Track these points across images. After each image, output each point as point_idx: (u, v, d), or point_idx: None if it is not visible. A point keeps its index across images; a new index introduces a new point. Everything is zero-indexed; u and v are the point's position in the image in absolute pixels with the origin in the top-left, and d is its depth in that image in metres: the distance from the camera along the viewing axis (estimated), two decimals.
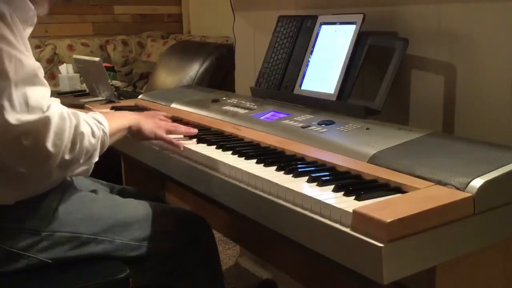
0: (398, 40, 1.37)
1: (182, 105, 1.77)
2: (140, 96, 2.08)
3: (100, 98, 2.65)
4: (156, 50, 4.20)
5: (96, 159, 1.14)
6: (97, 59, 2.59)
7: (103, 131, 1.15)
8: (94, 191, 1.30)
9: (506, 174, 0.93)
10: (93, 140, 1.11)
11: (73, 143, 1.05)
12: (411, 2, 1.43)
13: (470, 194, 0.88)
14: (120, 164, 2.05)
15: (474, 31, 1.29)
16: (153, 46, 4.31)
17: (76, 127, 1.06)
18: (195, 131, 1.40)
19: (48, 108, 1.01)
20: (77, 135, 1.06)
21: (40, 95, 1.02)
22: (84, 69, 2.80)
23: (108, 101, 2.45)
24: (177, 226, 1.33)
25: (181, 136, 1.39)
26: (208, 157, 1.22)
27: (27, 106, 0.99)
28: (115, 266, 1.20)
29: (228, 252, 2.35)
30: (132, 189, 1.58)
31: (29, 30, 1.07)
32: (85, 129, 1.09)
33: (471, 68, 1.31)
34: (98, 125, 1.14)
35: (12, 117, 0.97)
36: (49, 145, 1.00)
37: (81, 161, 1.09)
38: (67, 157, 1.04)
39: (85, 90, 2.98)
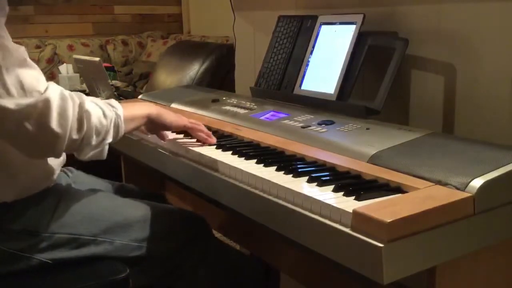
0: (398, 40, 1.37)
1: (182, 105, 1.77)
2: (140, 96, 2.07)
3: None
4: (156, 50, 4.20)
5: (109, 140, 1.12)
6: (97, 59, 2.60)
7: (116, 113, 1.13)
8: (94, 190, 1.30)
9: (506, 174, 0.93)
10: (104, 121, 1.09)
11: (80, 122, 1.04)
12: (411, 2, 1.43)
13: (470, 194, 0.88)
14: (120, 164, 2.04)
15: (474, 31, 1.29)
16: (153, 46, 4.31)
17: (81, 106, 1.05)
18: (214, 140, 1.33)
19: (45, 89, 1.00)
20: (82, 114, 1.04)
21: (34, 78, 1.00)
22: (84, 69, 2.80)
23: None
24: (177, 226, 1.33)
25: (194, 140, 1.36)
26: (208, 157, 1.22)
27: (23, 90, 0.97)
28: (115, 266, 1.20)
29: None
30: (131, 187, 1.58)
31: (3, 19, 1.04)
32: (91, 108, 1.07)
33: (471, 68, 1.31)
34: (110, 107, 1.13)
35: (10, 103, 0.96)
36: (54, 125, 0.99)
37: (93, 142, 1.07)
38: (75, 136, 1.03)
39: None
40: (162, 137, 1.38)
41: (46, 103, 0.99)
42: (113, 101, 1.17)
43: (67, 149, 1.05)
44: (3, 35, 0.99)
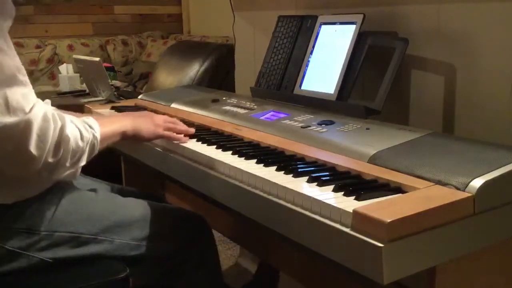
0: (398, 40, 1.37)
1: (182, 105, 1.77)
2: (140, 96, 2.08)
3: (100, 98, 2.65)
4: (156, 50, 4.20)
5: (83, 163, 1.12)
6: (97, 59, 2.60)
7: (93, 135, 1.13)
8: (94, 190, 1.30)
9: (506, 174, 0.93)
10: (81, 143, 1.09)
11: (57, 146, 1.03)
12: (411, 2, 1.43)
13: (470, 194, 0.88)
14: (120, 164, 2.04)
15: (474, 31, 1.29)
16: (153, 46, 4.31)
17: (61, 129, 1.04)
18: (193, 130, 1.40)
19: (31, 109, 0.99)
20: (61, 138, 1.04)
21: (21, 96, 0.98)
22: (84, 69, 2.80)
23: (108, 101, 2.45)
24: (177, 225, 1.33)
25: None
26: (208, 157, 1.22)
27: (8, 108, 0.96)
28: (115, 266, 1.20)
29: (228, 252, 2.35)
30: (132, 189, 1.58)
31: (8, 23, 1.02)
32: (71, 131, 1.06)
33: (471, 68, 1.31)
34: (88, 128, 1.13)
35: None
36: (32, 148, 0.98)
37: (67, 164, 1.07)
38: (50, 160, 1.02)
39: (85, 90, 2.98)
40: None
41: (28, 124, 0.98)
42: (91, 120, 1.16)
43: (41, 169, 1.03)
44: (0, 47, 0.97)
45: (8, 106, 0.96)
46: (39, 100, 1.03)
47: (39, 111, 1.00)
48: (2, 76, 0.96)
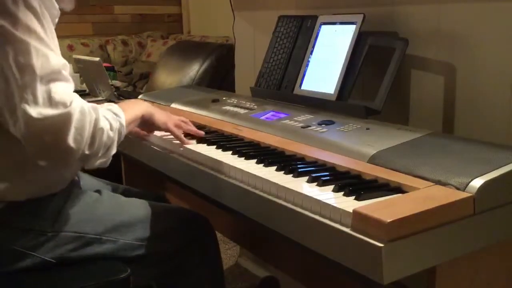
0: (398, 40, 1.37)
1: (182, 105, 1.77)
2: (140, 96, 2.07)
3: (100, 98, 2.65)
4: (156, 50, 4.20)
5: (114, 151, 1.14)
6: (97, 59, 2.59)
7: (120, 123, 1.16)
8: (98, 191, 1.30)
9: (506, 174, 0.93)
10: (111, 134, 1.11)
11: (93, 138, 1.06)
12: (411, 2, 1.43)
13: (470, 194, 0.88)
14: (120, 164, 2.04)
15: (474, 31, 1.29)
16: (153, 46, 4.32)
17: (96, 122, 1.07)
18: (202, 133, 1.41)
19: (70, 103, 1.02)
20: (96, 131, 1.07)
21: (64, 91, 1.02)
22: (84, 69, 2.80)
23: (108, 101, 2.45)
24: (179, 225, 1.33)
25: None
26: (208, 157, 1.22)
27: (50, 101, 1.00)
28: (116, 266, 1.20)
29: (228, 252, 2.35)
30: (135, 190, 1.58)
31: (54, 26, 1.08)
32: (104, 124, 1.09)
33: (471, 68, 1.31)
34: (115, 117, 1.15)
35: (35, 111, 0.98)
36: (70, 140, 1.01)
37: (100, 154, 1.10)
38: (87, 152, 1.05)
39: (85, 90, 2.98)
40: (147, 135, 1.45)
41: (67, 117, 1.01)
42: (115, 108, 1.19)
43: (78, 160, 1.07)
44: (47, 43, 1.02)
45: (51, 99, 1.00)
46: (77, 95, 1.07)
47: (77, 105, 1.03)
48: (49, 71, 1.01)
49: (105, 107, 1.17)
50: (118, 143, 1.16)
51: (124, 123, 1.17)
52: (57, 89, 1.01)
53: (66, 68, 1.06)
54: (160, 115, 1.36)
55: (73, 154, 1.03)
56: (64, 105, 1.01)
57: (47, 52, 1.01)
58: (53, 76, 1.01)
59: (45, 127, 0.99)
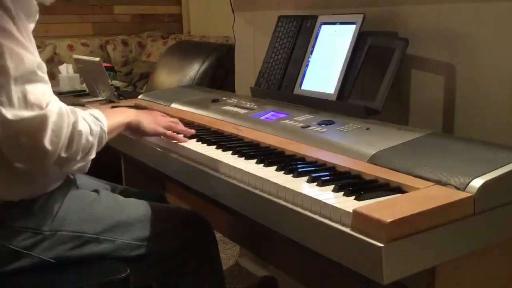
0: (398, 40, 1.37)
1: (182, 105, 1.77)
2: (140, 96, 2.08)
3: (100, 98, 2.64)
4: (156, 50, 4.20)
5: (93, 156, 1.13)
6: (97, 59, 2.59)
7: (101, 128, 1.15)
8: (96, 191, 1.30)
9: (506, 174, 0.93)
10: (90, 138, 1.11)
11: (70, 141, 1.05)
12: (411, 2, 1.43)
13: (470, 194, 0.88)
14: (120, 164, 2.05)
15: (474, 31, 1.29)
16: (153, 46, 4.31)
17: (74, 125, 1.06)
18: (192, 131, 1.41)
19: (47, 105, 1.01)
20: (74, 133, 1.06)
21: (40, 92, 1.02)
22: (84, 69, 2.80)
23: (108, 101, 2.45)
24: (178, 226, 1.33)
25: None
26: (208, 157, 1.22)
27: (26, 103, 0.99)
28: (116, 266, 1.20)
29: (228, 252, 2.35)
30: (134, 190, 1.58)
31: (32, 26, 1.07)
32: (83, 127, 1.08)
33: (471, 68, 1.31)
34: (96, 122, 1.14)
35: (10, 113, 0.97)
36: (46, 142, 1.00)
37: (78, 158, 1.09)
38: (63, 154, 1.04)
39: (85, 90, 2.98)
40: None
41: (44, 119, 1.00)
42: (97, 113, 1.18)
43: (54, 164, 1.06)
44: (23, 43, 1.01)
45: (27, 100, 0.99)
46: (55, 97, 1.06)
47: (54, 106, 1.03)
48: (23, 71, 1.00)
49: (88, 111, 1.16)
50: (99, 148, 1.15)
51: (105, 128, 1.16)
52: (32, 90, 1.00)
53: (42, 68, 1.04)
54: (147, 122, 1.34)
55: (49, 157, 1.02)
56: (40, 107, 1.00)
57: (22, 52, 1.00)
58: (28, 77, 1.00)
59: (21, 129, 0.98)
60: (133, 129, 1.32)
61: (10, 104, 0.97)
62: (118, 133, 1.28)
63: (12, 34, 0.99)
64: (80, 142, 1.08)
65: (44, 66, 1.06)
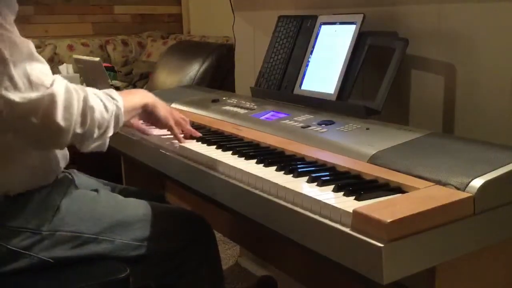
0: (398, 40, 1.37)
1: (182, 105, 1.77)
2: None
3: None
4: (156, 50, 4.20)
5: (110, 133, 1.14)
6: (97, 59, 2.59)
7: (117, 106, 1.15)
8: (95, 190, 1.30)
9: (506, 174, 0.93)
10: (105, 115, 1.11)
11: (83, 116, 1.05)
12: (411, 2, 1.43)
13: (470, 194, 0.88)
14: (120, 164, 2.05)
15: (474, 31, 1.29)
16: (153, 46, 4.31)
17: (85, 100, 1.06)
18: (199, 134, 1.40)
19: (52, 83, 1.01)
20: (86, 109, 1.06)
21: (41, 72, 1.02)
22: (84, 69, 2.80)
23: None
24: (178, 226, 1.33)
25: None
26: (208, 157, 1.22)
27: (30, 84, 0.99)
28: (115, 266, 1.20)
29: (228, 252, 2.35)
30: (133, 189, 1.58)
31: (12, 16, 1.05)
32: (94, 102, 1.08)
33: (471, 68, 1.31)
34: (111, 100, 1.14)
35: (17, 96, 0.97)
36: (59, 120, 1.01)
37: (95, 135, 1.09)
38: (78, 130, 1.05)
39: None
40: (146, 131, 1.44)
41: (52, 97, 1.00)
42: (113, 92, 1.18)
43: (71, 142, 1.07)
44: (11, 30, 1.00)
45: (30, 81, 0.99)
46: (58, 75, 1.06)
47: (60, 84, 1.03)
48: (19, 54, 1.00)
49: (101, 91, 1.16)
50: (117, 127, 1.15)
51: (121, 107, 1.16)
52: (33, 71, 1.00)
53: (33, 48, 1.04)
54: (163, 108, 1.33)
55: (64, 134, 1.02)
56: (45, 86, 1.00)
57: (13, 37, 1.00)
58: (26, 59, 1.00)
59: (30, 110, 0.99)
60: (148, 112, 1.30)
61: (15, 87, 0.98)
62: (135, 115, 1.28)
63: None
64: (94, 118, 1.08)
65: (34, 47, 1.05)
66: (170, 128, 1.35)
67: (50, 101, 1.00)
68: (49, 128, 1.01)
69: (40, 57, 1.05)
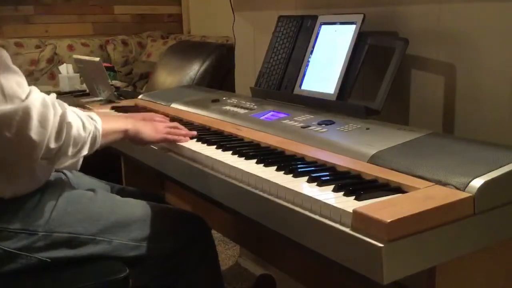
0: (398, 40, 1.37)
1: (182, 105, 1.77)
2: (140, 96, 2.08)
3: (100, 98, 2.64)
4: (156, 50, 4.20)
5: (85, 153, 1.12)
6: (97, 59, 2.59)
7: (95, 127, 1.14)
8: (92, 190, 1.29)
9: (506, 174, 0.93)
10: (82, 133, 1.10)
11: (59, 131, 1.04)
12: (411, 2, 1.43)
13: (470, 194, 0.88)
14: (120, 164, 2.04)
15: (474, 31, 1.29)
16: (153, 46, 4.31)
17: (62, 116, 1.05)
18: (194, 133, 1.40)
19: (27, 96, 1.00)
20: (63, 124, 1.04)
21: (15, 83, 1.00)
22: (84, 69, 2.80)
23: (108, 101, 2.45)
24: (176, 226, 1.33)
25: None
26: (208, 157, 1.22)
27: (4, 96, 0.97)
28: (115, 266, 1.20)
29: (228, 252, 2.35)
30: (132, 189, 1.58)
31: None
32: (72, 119, 1.07)
33: (471, 68, 1.31)
34: (90, 120, 1.14)
35: None
36: (33, 133, 0.99)
37: (69, 153, 1.08)
38: (52, 145, 1.03)
39: (85, 90, 2.98)
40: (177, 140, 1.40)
41: (27, 110, 0.99)
42: (93, 114, 1.17)
43: (43, 157, 1.04)
44: None
45: (4, 93, 0.97)
46: (35, 88, 1.04)
47: (36, 97, 1.01)
48: None
49: (82, 112, 1.15)
50: (92, 148, 1.14)
51: (99, 128, 1.15)
52: (7, 83, 0.98)
53: (8, 59, 1.02)
54: (146, 130, 1.31)
55: (37, 149, 1.01)
56: (19, 98, 0.99)
57: None
58: (0, 70, 0.98)
59: (3, 123, 0.97)
60: (131, 137, 1.29)
61: None
62: (115, 139, 1.25)
63: None
64: (70, 135, 1.06)
65: (8, 56, 1.03)
66: (165, 141, 1.35)
67: (24, 115, 0.98)
68: (22, 142, 0.99)
69: (16, 68, 1.02)
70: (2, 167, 1.10)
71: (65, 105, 1.08)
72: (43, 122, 1.00)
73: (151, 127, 1.33)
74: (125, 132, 1.27)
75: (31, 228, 1.13)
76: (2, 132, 0.98)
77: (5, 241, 1.11)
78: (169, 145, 1.37)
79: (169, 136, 1.35)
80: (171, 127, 1.38)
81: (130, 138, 1.30)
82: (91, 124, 1.13)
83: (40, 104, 1.01)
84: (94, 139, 1.14)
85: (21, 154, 1.03)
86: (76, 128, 1.08)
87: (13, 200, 1.13)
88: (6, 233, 1.11)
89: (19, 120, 0.98)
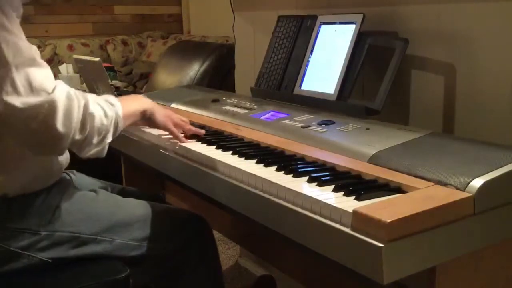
0: (398, 40, 1.37)
1: (182, 105, 1.77)
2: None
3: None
4: (156, 50, 4.20)
5: (109, 140, 1.15)
6: (97, 59, 2.59)
7: (116, 113, 1.16)
8: (94, 191, 1.30)
9: (506, 174, 0.93)
10: (105, 121, 1.12)
11: (83, 123, 1.06)
12: (411, 2, 1.43)
13: (470, 194, 0.88)
14: (120, 164, 2.04)
15: (474, 31, 1.29)
16: (153, 46, 4.32)
17: (85, 107, 1.07)
18: (202, 132, 1.40)
19: (53, 89, 1.02)
20: (86, 115, 1.07)
21: (43, 77, 1.02)
22: (84, 69, 2.80)
23: None
24: (177, 226, 1.33)
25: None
26: (208, 157, 1.22)
27: (31, 89, 0.99)
28: (115, 266, 1.20)
29: (228, 252, 2.35)
30: (132, 189, 1.58)
31: (17, 19, 1.06)
32: (95, 109, 1.09)
33: (471, 68, 1.31)
34: (110, 106, 1.15)
35: (18, 101, 0.98)
36: (59, 126, 1.01)
37: (94, 141, 1.10)
38: (77, 137, 1.05)
39: (85, 90, 2.98)
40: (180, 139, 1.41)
41: (53, 103, 1.01)
42: (112, 99, 1.19)
43: (69, 147, 1.08)
44: (15, 33, 1.01)
45: (32, 86, 0.99)
46: (61, 81, 1.06)
47: (62, 90, 1.04)
48: (22, 58, 1.00)
49: (103, 97, 1.17)
50: (115, 133, 1.16)
51: (120, 113, 1.17)
52: (35, 77, 1.00)
53: (37, 53, 1.05)
54: (161, 114, 1.34)
55: (62, 140, 1.03)
56: (46, 91, 1.01)
57: (17, 41, 1.00)
58: (29, 64, 1.01)
59: (30, 115, 0.99)
60: (146, 118, 1.31)
61: (17, 92, 0.98)
62: (134, 121, 1.28)
63: (4, 26, 0.99)
64: (94, 125, 1.09)
65: (38, 51, 1.05)
66: (169, 131, 1.36)
67: (50, 107, 1.00)
68: (48, 134, 1.01)
69: (43, 62, 1.05)
70: (19, 161, 1.11)
71: (87, 95, 1.10)
72: (68, 114, 1.03)
73: (165, 112, 1.36)
74: (143, 112, 1.30)
75: (34, 227, 1.13)
76: (29, 124, 1.00)
77: (8, 240, 1.11)
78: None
79: (176, 131, 1.35)
80: (182, 120, 1.39)
81: (146, 118, 1.31)
82: (112, 110, 1.15)
83: (66, 97, 1.03)
84: (116, 125, 1.16)
85: (47, 146, 1.05)
86: (99, 117, 1.10)
87: (16, 200, 1.13)
88: (9, 232, 1.12)
89: (45, 113, 1.00)
